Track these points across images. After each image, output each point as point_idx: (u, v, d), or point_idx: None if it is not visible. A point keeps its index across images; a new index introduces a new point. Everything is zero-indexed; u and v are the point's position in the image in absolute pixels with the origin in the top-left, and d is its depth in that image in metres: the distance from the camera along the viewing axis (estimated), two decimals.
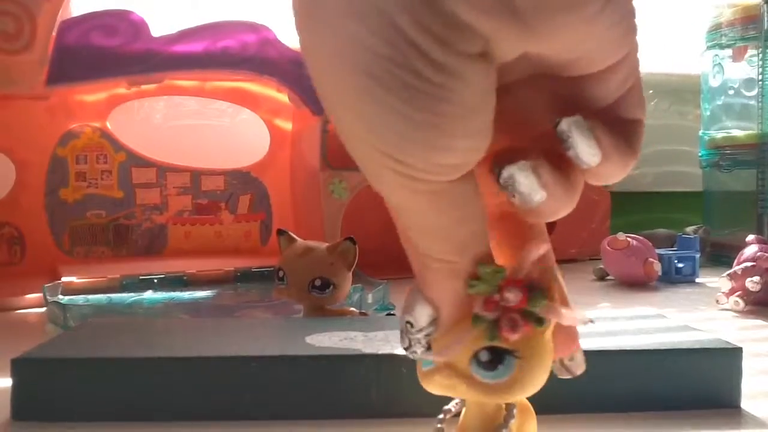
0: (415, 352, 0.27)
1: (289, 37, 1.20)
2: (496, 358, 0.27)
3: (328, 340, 0.50)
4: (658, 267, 1.07)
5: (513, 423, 0.31)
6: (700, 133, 1.47)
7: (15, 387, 0.46)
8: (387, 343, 0.49)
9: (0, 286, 1.02)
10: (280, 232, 0.68)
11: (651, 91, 1.78)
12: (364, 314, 0.72)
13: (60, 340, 0.55)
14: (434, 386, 0.28)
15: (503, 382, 0.27)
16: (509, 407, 0.31)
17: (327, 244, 0.66)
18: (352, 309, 0.69)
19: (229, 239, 1.30)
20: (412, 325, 0.27)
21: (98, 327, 0.59)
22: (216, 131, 1.36)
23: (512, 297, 0.26)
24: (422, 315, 0.27)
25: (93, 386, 0.47)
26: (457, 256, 0.25)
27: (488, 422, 0.31)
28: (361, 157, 0.24)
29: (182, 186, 1.28)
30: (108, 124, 1.23)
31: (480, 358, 0.27)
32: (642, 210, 1.71)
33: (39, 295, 0.88)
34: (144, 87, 1.20)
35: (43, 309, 0.85)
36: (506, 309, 0.26)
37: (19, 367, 0.47)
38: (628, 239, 1.10)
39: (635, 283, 1.10)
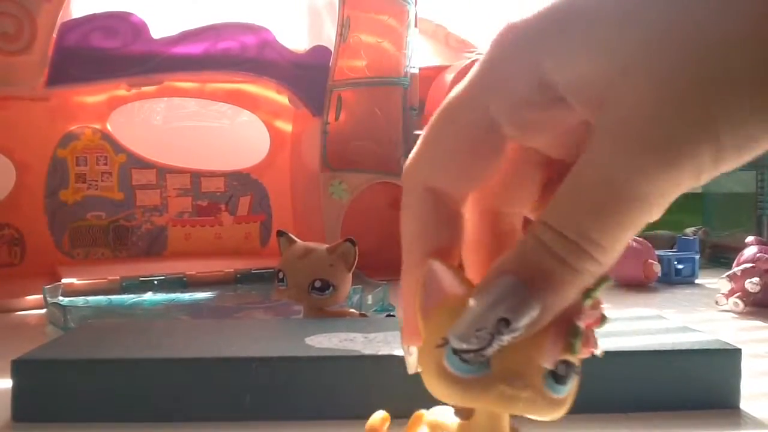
0: (484, 355, 0.25)
1: (288, 39, 1.20)
2: (568, 372, 0.27)
3: (328, 342, 0.50)
4: (657, 268, 1.07)
5: None
6: None
7: (15, 388, 0.46)
8: (387, 344, 0.49)
9: (0, 287, 1.02)
10: (280, 234, 0.68)
11: None
12: (364, 315, 0.72)
13: (60, 341, 0.55)
14: (492, 397, 0.27)
15: (563, 398, 0.27)
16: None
17: (327, 246, 0.67)
18: (352, 310, 0.69)
19: (229, 241, 1.30)
20: (508, 324, 0.24)
21: (98, 328, 0.59)
22: (216, 133, 1.36)
23: (598, 313, 0.27)
24: (528, 315, 0.24)
25: (93, 387, 0.47)
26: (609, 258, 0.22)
27: None
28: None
29: (182, 187, 1.28)
30: (108, 126, 1.23)
31: (558, 372, 0.26)
32: None
33: (39, 296, 0.88)
34: (144, 89, 1.20)
35: (44, 310, 0.85)
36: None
37: (20, 369, 0.47)
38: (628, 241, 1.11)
39: (635, 284, 1.10)
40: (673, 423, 0.46)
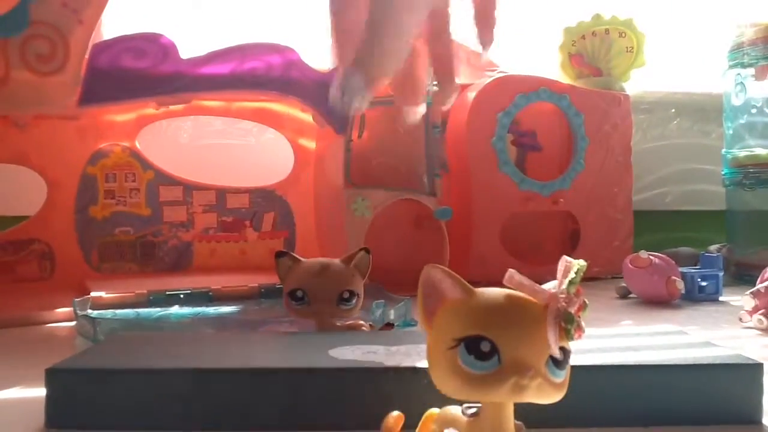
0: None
1: (313, 59, 1.22)
2: (565, 357, 0.30)
3: (352, 354, 0.51)
4: (680, 285, 1.07)
5: None
6: (723, 151, 1.46)
7: (49, 396, 0.48)
8: (409, 356, 0.50)
9: (30, 300, 1.04)
10: (280, 255, 0.68)
11: (673, 110, 1.78)
12: (391, 326, 0.72)
13: (91, 352, 0.56)
14: (506, 389, 0.29)
15: (563, 381, 0.30)
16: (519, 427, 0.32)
17: (341, 258, 0.68)
18: (362, 322, 0.69)
19: (254, 256, 1.32)
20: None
21: (127, 340, 0.60)
22: (241, 150, 1.38)
23: (581, 300, 0.29)
24: None
25: (123, 396, 0.48)
26: None
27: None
28: None
29: (208, 204, 1.30)
30: (137, 144, 1.25)
31: (557, 358, 0.29)
32: (665, 229, 1.71)
33: (68, 309, 0.90)
34: (172, 107, 1.23)
35: (73, 323, 0.87)
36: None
37: (53, 377, 0.48)
38: (651, 257, 1.10)
39: (658, 302, 1.10)
40: None
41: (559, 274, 0.31)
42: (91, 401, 0.48)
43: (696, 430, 0.47)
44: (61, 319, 0.95)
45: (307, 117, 1.30)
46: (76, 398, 0.48)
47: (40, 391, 0.48)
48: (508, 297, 0.31)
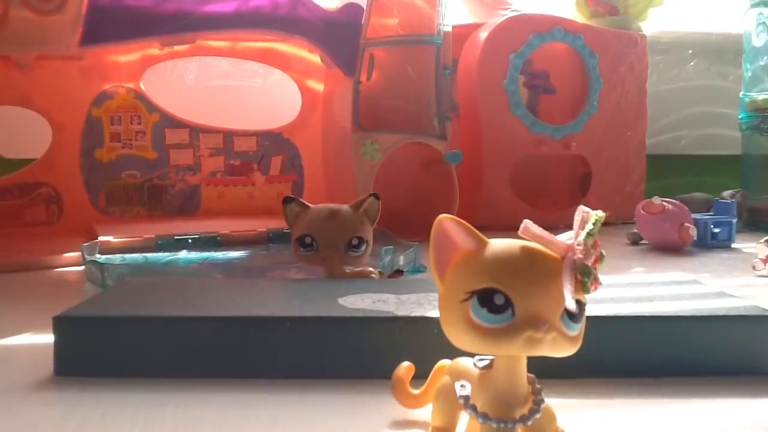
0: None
1: None
2: (581, 310, 0.29)
3: (362, 302, 0.51)
4: (693, 232, 1.05)
5: (544, 406, 0.31)
6: (741, 94, 1.43)
7: (57, 344, 0.48)
8: (419, 305, 0.50)
9: (38, 244, 1.04)
10: (288, 201, 0.66)
11: (690, 51, 1.74)
12: (381, 274, 0.72)
13: (99, 298, 0.56)
14: (519, 342, 0.29)
15: (578, 334, 0.29)
16: (537, 390, 0.32)
17: (350, 203, 0.66)
18: (371, 269, 0.69)
19: (261, 200, 1.31)
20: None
21: (136, 286, 0.60)
22: (248, 92, 1.36)
23: (598, 251, 0.28)
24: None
25: (132, 343, 0.48)
26: None
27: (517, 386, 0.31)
28: None
29: (215, 147, 1.29)
30: (141, 85, 1.23)
31: (573, 311, 0.28)
32: (678, 174, 1.69)
33: (76, 253, 0.90)
34: (176, 48, 1.20)
35: (81, 268, 0.87)
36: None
37: (61, 325, 0.48)
38: (664, 203, 1.09)
39: (670, 248, 1.09)
40: (708, 388, 0.45)
41: (575, 225, 0.30)
42: (99, 349, 0.48)
43: (710, 381, 0.46)
44: (69, 263, 0.95)
45: (314, 58, 1.27)
46: (85, 346, 0.48)
47: (49, 338, 0.48)
48: (523, 248, 0.30)
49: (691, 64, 1.74)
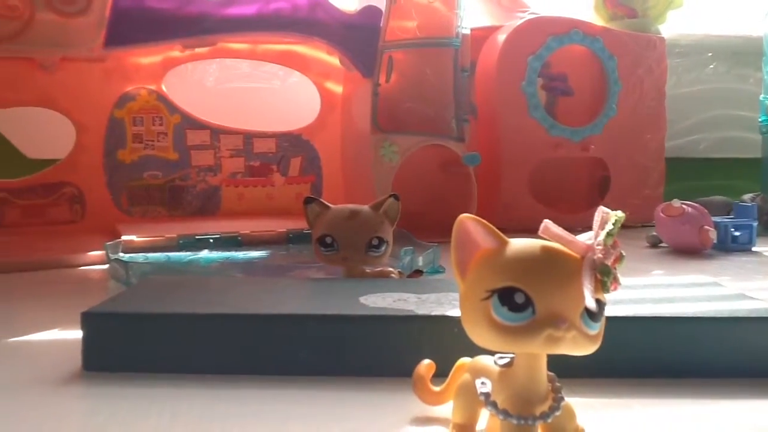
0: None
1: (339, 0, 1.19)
2: (600, 309, 0.29)
3: (382, 301, 0.51)
4: (713, 234, 1.05)
5: (564, 404, 0.31)
6: (761, 97, 1.42)
7: (85, 339, 0.49)
8: (440, 304, 0.50)
9: (62, 243, 1.06)
10: (309, 201, 0.67)
11: (710, 54, 1.73)
12: (420, 272, 0.72)
13: (125, 296, 0.57)
14: (540, 340, 0.29)
15: (598, 333, 0.29)
16: (557, 388, 0.32)
17: (370, 204, 0.67)
18: (391, 269, 0.69)
19: (281, 201, 1.32)
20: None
21: (160, 284, 0.61)
22: (267, 94, 1.37)
23: (618, 252, 0.29)
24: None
25: (157, 339, 0.49)
26: None
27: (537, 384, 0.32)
28: None
29: (235, 148, 1.30)
30: (163, 87, 1.25)
31: (592, 310, 0.28)
32: (698, 176, 1.68)
33: (100, 252, 0.92)
34: (198, 50, 1.21)
35: (105, 266, 0.88)
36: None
37: (89, 321, 0.49)
38: (683, 206, 1.08)
39: (689, 251, 1.08)
40: (726, 390, 0.45)
41: (595, 225, 0.30)
42: (126, 344, 0.49)
43: (728, 383, 0.46)
44: (93, 262, 0.96)
45: (333, 60, 1.28)
46: (112, 341, 0.49)
47: (76, 334, 0.49)
48: (543, 248, 0.30)
49: (711, 66, 1.73)
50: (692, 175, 1.66)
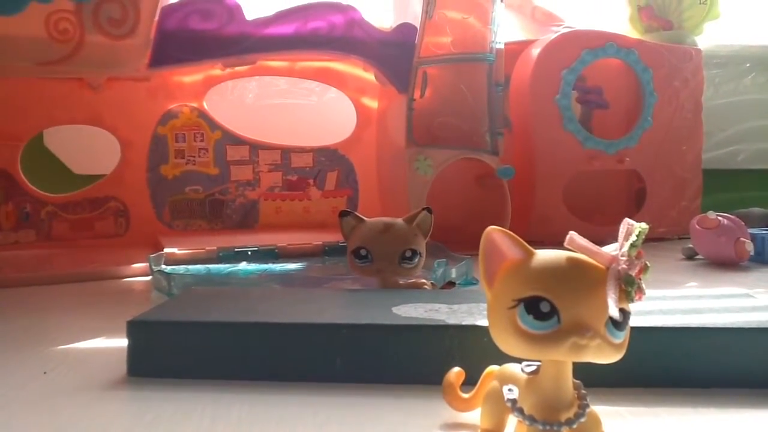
0: None
1: (375, 17, 1.22)
2: (625, 319, 0.31)
3: (414, 311, 0.53)
4: (750, 247, 1.04)
5: (589, 411, 0.32)
6: None
7: (130, 347, 0.51)
8: (470, 314, 0.51)
9: (107, 255, 1.10)
10: (344, 214, 0.69)
11: (748, 65, 1.71)
12: (452, 284, 0.73)
13: (168, 305, 0.59)
14: (565, 348, 0.30)
15: (623, 342, 0.30)
16: (582, 395, 0.33)
17: (404, 217, 0.68)
18: (424, 281, 0.70)
19: (317, 214, 1.35)
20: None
21: (201, 294, 0.63)
22: (305, 110, 1.40)
23: (642, 262, 0.29)
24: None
25: (199, 347, 0.51)
26: None
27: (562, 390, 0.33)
28: None
29: (273, 163, 1.33)
30: (204, 104, 1.28)
31: (617, 319, 0.29)
32: (736, 188, 1.65)
33: (143, 264, 0.95)
34: (238, 68, 1.25)
35: (148, 277, 0.91)
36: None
37: (134, 329, 0.51)
38: (719, 218, 1.08)
39: (725, 263, 1.07)
40: (756, 401, 0.46)
41: (620, 237, 0.31)
42: (169, 351, 0.51)
43: (759, 393, 0.47)
44: (136, 273, 1.00)
45: (369, 76, 1.30)
46: (156, 348, 0.51)
47: (121, 342, 0.52)
48: (569, 258, 0.31)
49: (749, 77, 1.71)
50: (730, 186, 1.64)
